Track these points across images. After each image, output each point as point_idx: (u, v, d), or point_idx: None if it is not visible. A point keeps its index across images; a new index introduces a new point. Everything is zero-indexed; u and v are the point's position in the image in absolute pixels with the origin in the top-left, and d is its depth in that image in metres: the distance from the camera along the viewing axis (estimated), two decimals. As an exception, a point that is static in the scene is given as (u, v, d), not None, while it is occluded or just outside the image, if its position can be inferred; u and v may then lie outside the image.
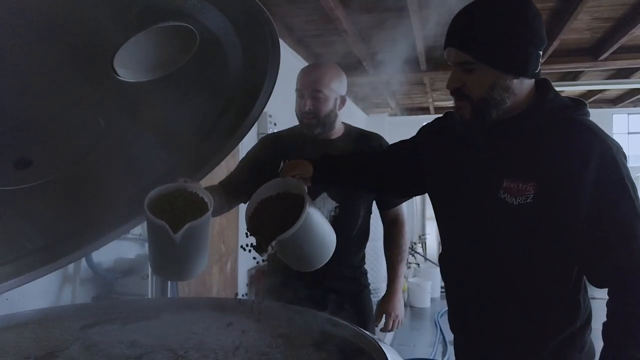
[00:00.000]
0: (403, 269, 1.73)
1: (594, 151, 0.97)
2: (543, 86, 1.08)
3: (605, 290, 1.00)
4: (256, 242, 1.16)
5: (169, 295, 1.93)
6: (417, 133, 1.30)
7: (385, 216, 1.76)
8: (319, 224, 1.24)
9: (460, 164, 1.13)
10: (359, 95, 7.36)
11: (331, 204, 1.59)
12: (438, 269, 5.84)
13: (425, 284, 5.46)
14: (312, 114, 1.56)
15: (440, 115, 1.29)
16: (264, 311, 1.27)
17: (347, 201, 1.60)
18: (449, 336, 4.44)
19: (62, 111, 1.12)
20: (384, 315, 1.70)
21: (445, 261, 1.24)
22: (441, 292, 6.12)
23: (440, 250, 1.28)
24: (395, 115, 9.27)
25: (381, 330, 1.72)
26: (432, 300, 5.61)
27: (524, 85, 1.05)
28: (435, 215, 1.25)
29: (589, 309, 1.10)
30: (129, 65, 1.06)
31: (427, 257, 6.40)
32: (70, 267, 1.77)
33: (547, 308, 1.06)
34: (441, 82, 6.54)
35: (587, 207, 0.97)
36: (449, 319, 1.25)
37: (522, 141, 1.05)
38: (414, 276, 5.91)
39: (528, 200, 1.01)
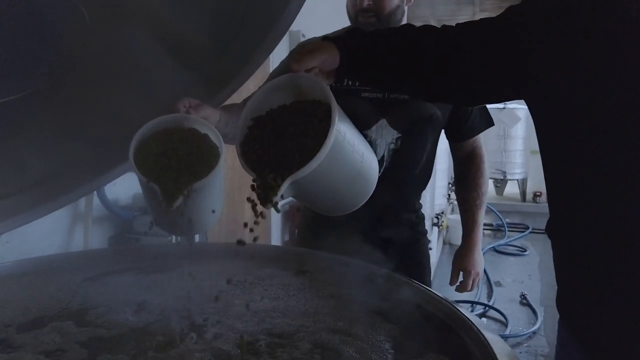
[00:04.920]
0: (482, 217, 1.41)
1: None
2: None
3: None
4: (257, 186, 0.72)
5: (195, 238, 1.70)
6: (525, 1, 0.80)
7: (459, 150, 1.41)
8: (355, 147, 0.80)
9: (628, 62, 0.67)
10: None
11: (391, 135, 1.25)
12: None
13: (466, 221, 5.21)
14: (372, 11, 1.20)
15: None
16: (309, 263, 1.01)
17: (411, 130, 1.26)
18: (493, 276, 4.23)
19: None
20: (461, 273, 1.41)
21: (581, 219, 0.77)
22: (483, 230, 5.83)
23: (567, 202, 0.79)
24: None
25: (457, 290, 1.43)
26: (473, 238, 5.38)
27: None
28: (547, 146, 0.80)
29: None
30: None
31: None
32: (82, 204, 1.56)
33: None
34: (492, 1, 5.85)
35: None
36: (560, 276, 0.87)
37: None
38: (452, 212, 5.65)
39: None
